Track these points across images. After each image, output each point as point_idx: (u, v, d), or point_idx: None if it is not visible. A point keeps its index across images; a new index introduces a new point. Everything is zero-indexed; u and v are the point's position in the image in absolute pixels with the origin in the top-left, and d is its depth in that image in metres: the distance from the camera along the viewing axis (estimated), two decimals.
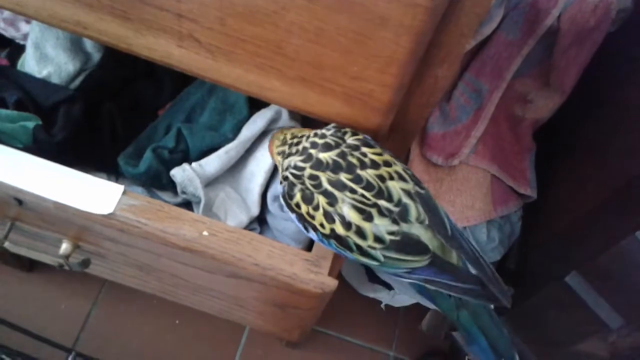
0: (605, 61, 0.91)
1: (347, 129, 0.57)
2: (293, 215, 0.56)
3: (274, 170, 0.73)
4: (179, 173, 0.68)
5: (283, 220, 0.70)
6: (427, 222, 0.53)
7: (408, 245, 0.53)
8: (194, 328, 1.15)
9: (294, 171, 0.55)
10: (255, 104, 0.75)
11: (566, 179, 1.00)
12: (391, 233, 0.52)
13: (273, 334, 0.79)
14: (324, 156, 0.54)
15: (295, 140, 0.58)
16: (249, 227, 0.72)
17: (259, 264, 0.58)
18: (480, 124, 0.96)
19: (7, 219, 0.65)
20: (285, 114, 0.73)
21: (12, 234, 0.66)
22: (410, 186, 0.54)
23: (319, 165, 0.54)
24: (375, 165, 0.54)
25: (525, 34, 0.91)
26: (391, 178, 0.53)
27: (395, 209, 0.52)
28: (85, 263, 0.66)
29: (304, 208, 0.54)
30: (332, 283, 0.58)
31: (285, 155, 0.58)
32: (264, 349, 1.14)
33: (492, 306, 0.60)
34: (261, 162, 0.72)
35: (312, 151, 0.55)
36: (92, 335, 1.13)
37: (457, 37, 0.50)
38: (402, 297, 1.10)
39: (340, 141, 0.55)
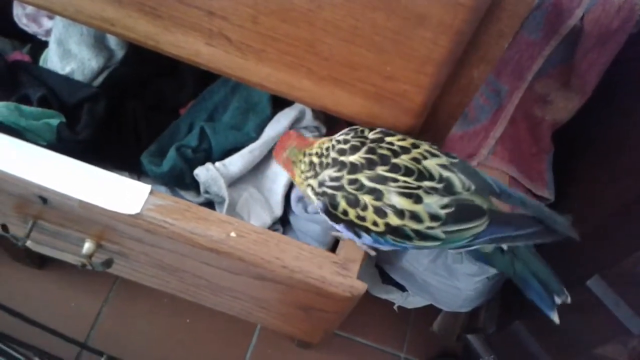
0: (625, 62, 0.90)
1: (362, 127, 0.57)
2: (340, 226, 0.56)
3: None
4: (202, 172, 0.67)
5: (307, 222, 0.69)
6: (473, 187, 0.54)
7: (465, 211, 0.53)
8: (205, 326, 1.14)
9: (331, 183, 0.55)
10: (278, 103, 0.74)
11: (585, 181, 0.99)
12: (444, 206, 0.52)
13: (294, 336, 0.78)
14: (356, 158, 0.54)
15: (322, 160, 0.57)
16: (271, 228, 0.71)
17: (287, 266, 0.57)
18: (500, 125, 0.96)
19: (30, 217, 0.64)
20: (309, 113, 0.72)
21: (34, 232, 0.65)
22: (443, 160, 0.54)
23: (354, 168, 0.54)
24: (405, 150, 0.54)
25: (548, 34, 0.90)
26: (425, 158, 0.54)
27: (440, 186, 0.53)
28: (108, 263, 0.65)
29: (351, 213, 0.54)
30: (362, 286, 0.57)
31: (315, 176, 0.57)
32: (275, 348, 1.13)
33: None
34: None
35: (342, 158, 0.55)
36: (102, 333, 1.12)
37: (497, 38, 0.49)
38: (415, 298, 1.10)
39: (364, 139, 0.55)
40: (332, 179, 0.55)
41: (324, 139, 0.60)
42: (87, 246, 0.64)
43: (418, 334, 1.24)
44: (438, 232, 0.53)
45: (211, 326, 1.14)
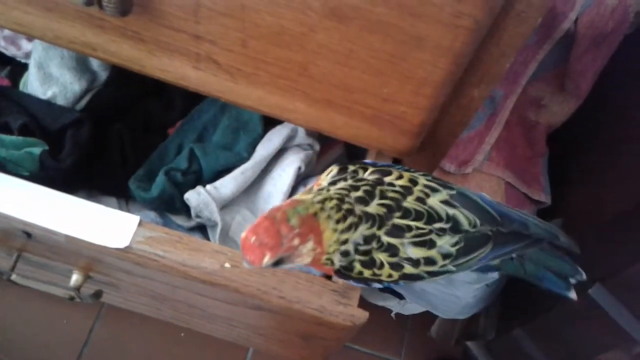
0: (619, 64, 0.88)
1: (349, 166, 0.52)
2: (350, 281, 0.52)
3: (292, 189, 0.69)
4: (193, 197, 0.65)
5: None
6: (479, 223, 0.52)
7: (473, 243, 0.52)
8: (200, 340, 1.12)
9: (364, 247, 0.49)
10: (270, 121, 0.71)
11: (582, 184, 0.97)
12: (455, 244, 0.51)
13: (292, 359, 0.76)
14: (376, 209, 0.49)
15: (349, 207, 0.48)
16: None
17: (285, 296, 0.55)
18: (494, 130, 0.94)
19: (14, 250, 0.61)
20: (301, 131, 0.70)
21: (20, 263, 0.62)
22: (444, 194, 0.52)
23: (379, 221, 0.49)
24: (408, 190, 0.51)
25: (541, 38, 0.88)
26: (427, 196, 0.51)
27: (447, 226, 0.51)
28: (98, 294, 0.63)
29: (367, 273, 0.50)
30: (362, 315, 0.55)
31: (348, 228, 0.47)
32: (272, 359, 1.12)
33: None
34: (278, 182, 0.68)
35: (367, 209, 0.48)
36: (95, 350, 1.10)
37: (498, 57, 0.47)
38: (412, 305, 1.08)
39: (367, 182, 0.50)
40: (366, 239, 0.48)
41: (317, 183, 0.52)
42: (75, 278, 0.62)
43: (416, 340, 1.23)
44: (450, 267, 0.52)
45: (207, 339, 1.12)
